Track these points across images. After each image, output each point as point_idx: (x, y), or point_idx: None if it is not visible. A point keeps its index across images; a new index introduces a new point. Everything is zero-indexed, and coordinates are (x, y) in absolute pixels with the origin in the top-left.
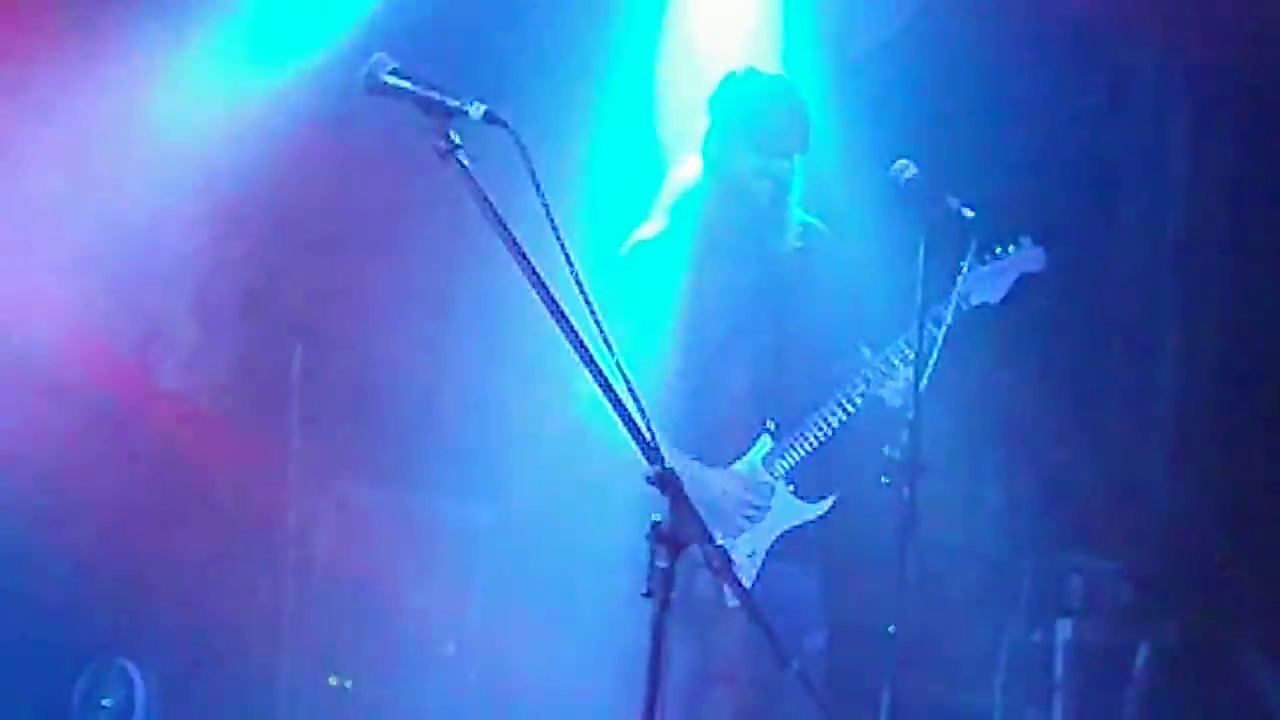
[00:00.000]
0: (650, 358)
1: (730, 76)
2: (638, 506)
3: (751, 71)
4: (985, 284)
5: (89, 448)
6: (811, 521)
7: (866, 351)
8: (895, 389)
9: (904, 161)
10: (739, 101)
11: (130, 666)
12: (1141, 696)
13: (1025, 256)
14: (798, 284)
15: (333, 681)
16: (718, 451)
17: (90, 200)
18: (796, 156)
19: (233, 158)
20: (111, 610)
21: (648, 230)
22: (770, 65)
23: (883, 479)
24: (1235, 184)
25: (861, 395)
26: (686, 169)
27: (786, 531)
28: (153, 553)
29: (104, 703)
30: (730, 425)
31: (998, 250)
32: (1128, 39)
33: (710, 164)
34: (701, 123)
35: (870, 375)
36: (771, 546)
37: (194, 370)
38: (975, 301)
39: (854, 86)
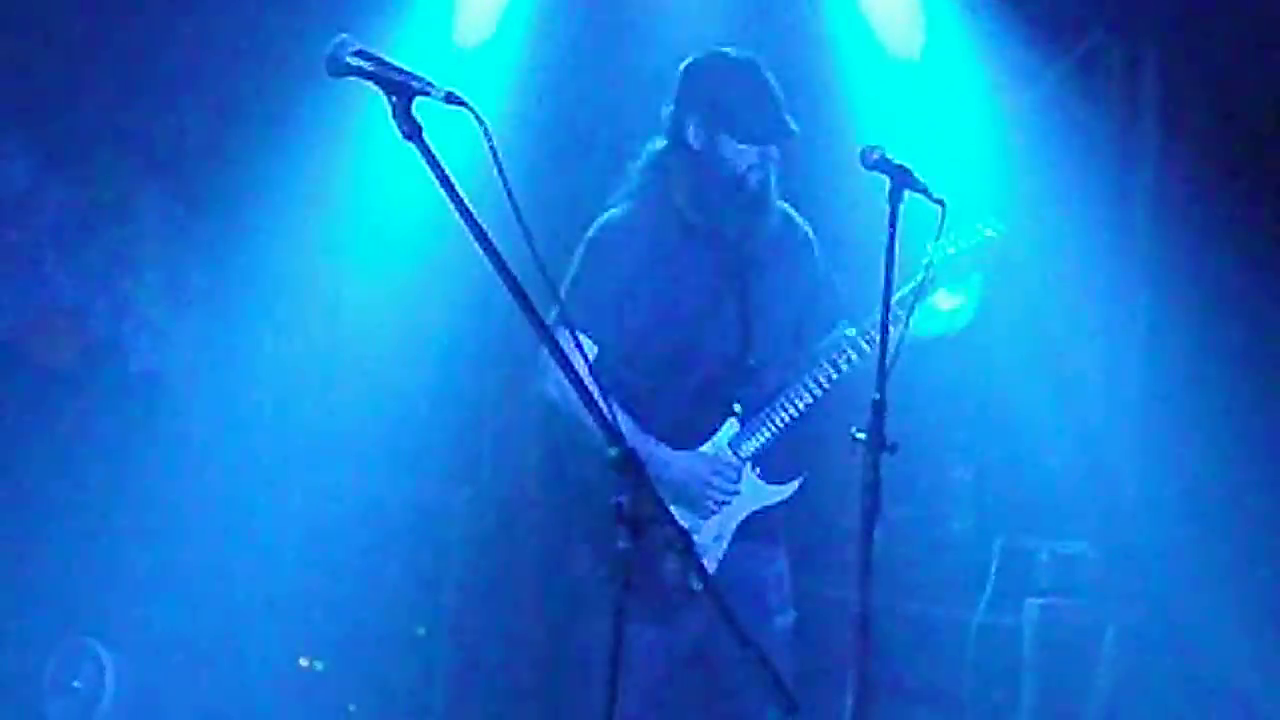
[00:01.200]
0: (616, 340)
1: (698, 60)
2: (602, 488)
3: (719, 54)
4: (951, 268)
5: (58, 427)
6: (779, 503)
7: (850, 329)
8: (863, 370)
9: (872, 143)
10: (708, 87)
11: (100, 648)
12: (1109, 678)
13: (992, 241)
14: (767, 269)
15: (303, 663)
16: (684, 434)
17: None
18: (775, 143)
19: (203, 142)
20: (81, 592)
21: (615, 210)
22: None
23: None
24: (1204, 166)
25: (829, 377)
26: (654, 147)
27: (754, 513)
28: (122, 534)
29: (74, 684)
30: (697, 408)
31: (965, 233)
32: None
33: (682, 147)
34: (671, 102)
35: (837, 357)
36: (738, 528)
37: (164, 352)
38: (941, 285)
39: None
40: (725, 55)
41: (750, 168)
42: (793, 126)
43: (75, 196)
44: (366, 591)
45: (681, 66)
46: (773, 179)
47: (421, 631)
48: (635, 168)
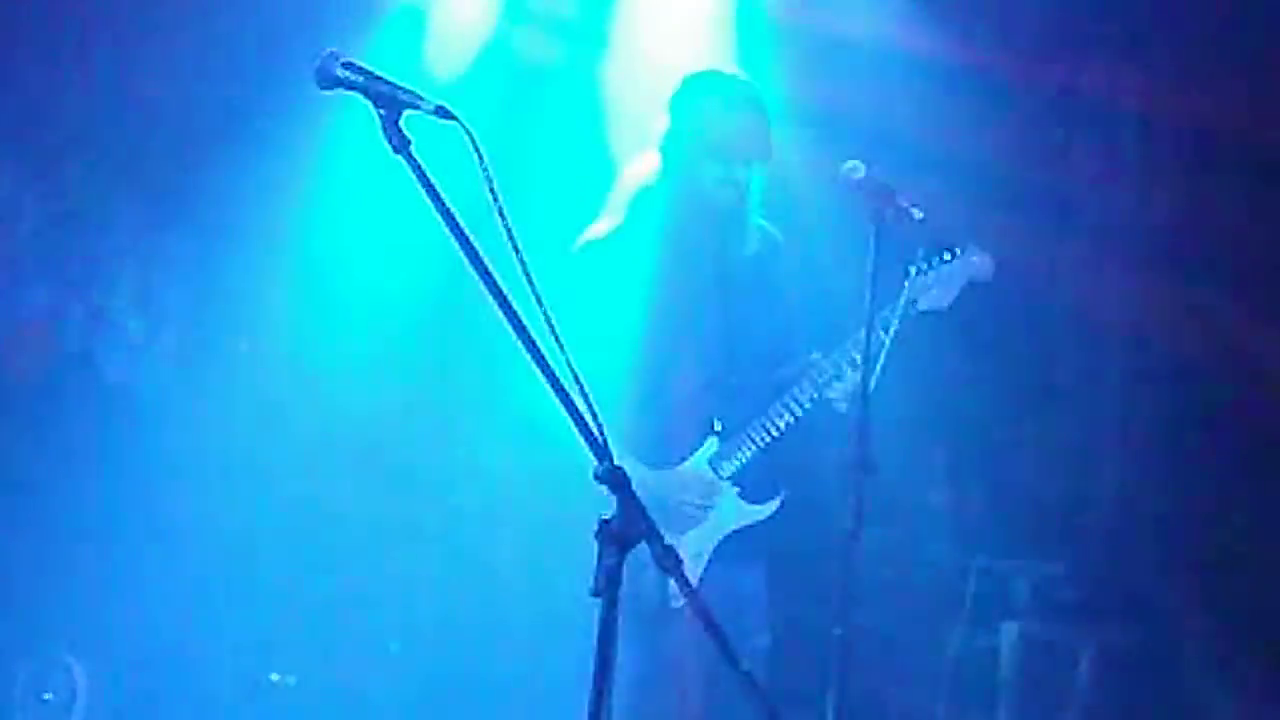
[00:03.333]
0: (600, 357)
1: (692, 78)
2: (587, 504)
3: (714, 75)
4: (933, 290)
5: (29, 439)
6: (758, 523)
7: (816, 355)
8: (843, 391)
9: (854, 162)
10: (700, 106)
11: (72, 660)
12: (1085, 700)
13: (973, 263)
14: (750, 288)
15: (275, 678)
16: (665, 452)
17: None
18: (757, 164)
19: (176, 153)
20: (52, 604)
21: (600, 228)
22: (725, 62)
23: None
24: (1185, 183)
25: (810, 398)
26: (642, 166)
27: (732, 533)
28: (94, 545)
29: (45, 696)
30: (678, 426)
31: (946, 256)
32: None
33: (669, 166)
34: (660, 121)
35: (818, 378)
36: (717, 548)
37: (139, 363)
38: (923, 308)
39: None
40: (720, 76)
41: (731, 188)
42: (771, 148)
43: (51, 207)
44: (339, 606)
45: (675, 83)
46: (752, 200)
47: (394, 646)
48: (622, 184)
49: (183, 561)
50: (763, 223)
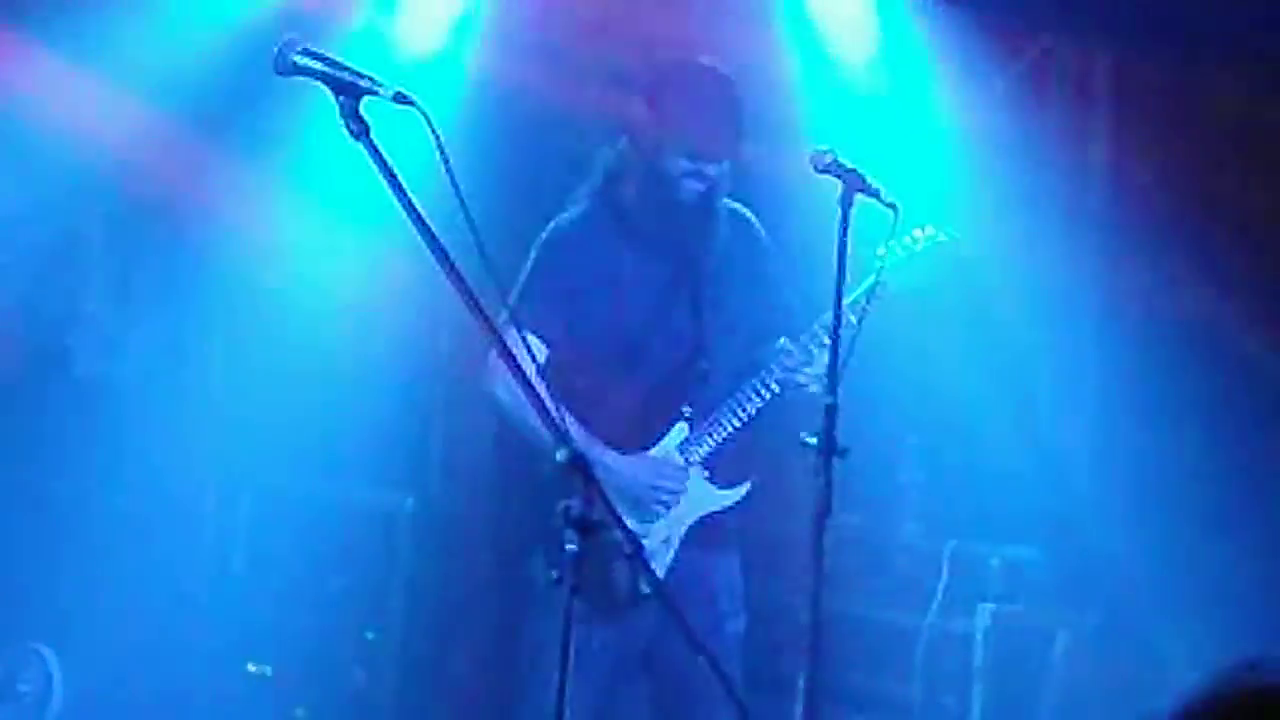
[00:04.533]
0: (567, 342)
1: (668, 67)
2: (550, 491)
3: (689, 65)
4: (903, 271)
5: (3, 432)
6: (730, 508)
7: (784, 339)
8: (813, 375)
9: (824, 146)
10: (674, 98)
11: (47, 652)
12: (1060, 684)
13: (943, 244)
14: (719, 273)
15: (251, 668)
16: (634, 437)
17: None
18: (727, 161)
19: (153, 144)
20: (28, 596)
21: (569, 213)
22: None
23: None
24: (1157, 172)
25: (778, 381)
26: (614, 150)
27: (704, 518)
28: (69, 537)
29: (21, 688)
30: (646, 411)
31: (916, 235)
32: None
33: (638, 153)
34: (632, 105)
35: (787, 361)
36: (688, 533)
37: (113, 356)
38: (892, 288)
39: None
40: (695, 66)
41: (698, 179)
42: (742, 145)
43: (23, 196)
44: (315, 596)
45: (649, 71)
46: (720, 191)
47: (370, 636)
48: (592, 170)
49: (157, 553)
50: (734, 205)
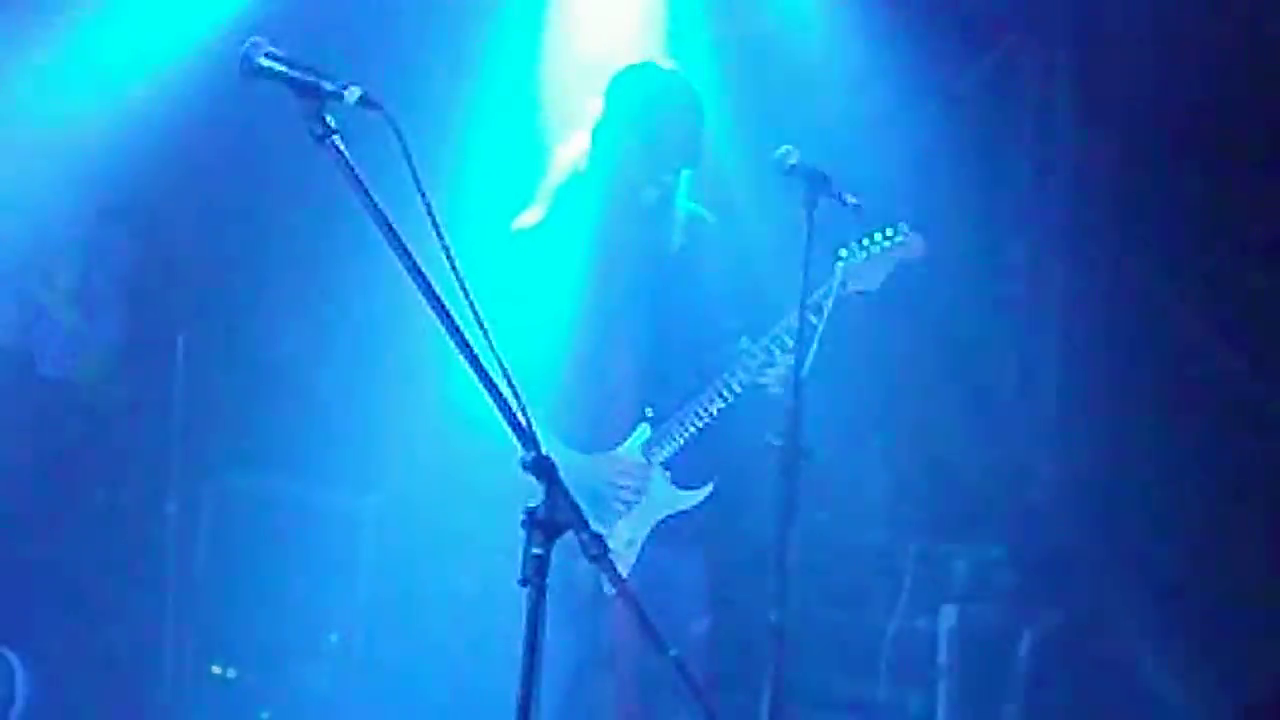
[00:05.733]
0: (529, 345)
1: (629, 71)
2: (514, 493)
3: (652, 71)
4: (865, 271)
5: None
6: (694, 508)
7: (745, 341)
8: (776, 376)
9: (788, 147)
10: (635, 104)
11: (11, 655)
12: (1025, 683)
13: (905, 244)
14: (680, 275)
15: (216, 670)
16: (597, 438)
17: None
18: (686, 169)
19: (114, 147)
20: None
21: (529, 217)
22: (657, 52)
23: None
24: (1120, 172)
25: (741, 383)
26: (572, 149)
27: (668, 518)
28: (33, 540)
29: None
30: (609, 412)
31: (877, 237)
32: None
33: (598, 155)
34: (594, 105)
35: (749, 363)
36: (652, 533)
37: (75, 357)
38: (854, 289)
39: (741, 72)
40: (658, 74)
41: (657, 187)
42: (700, 156)
43: None
44: (279, 598)
45: (612, 73)
46: (677, 196)
47: (334, 638)
48: (551, 172)
49: (122, 555)
50: (693, 205)
